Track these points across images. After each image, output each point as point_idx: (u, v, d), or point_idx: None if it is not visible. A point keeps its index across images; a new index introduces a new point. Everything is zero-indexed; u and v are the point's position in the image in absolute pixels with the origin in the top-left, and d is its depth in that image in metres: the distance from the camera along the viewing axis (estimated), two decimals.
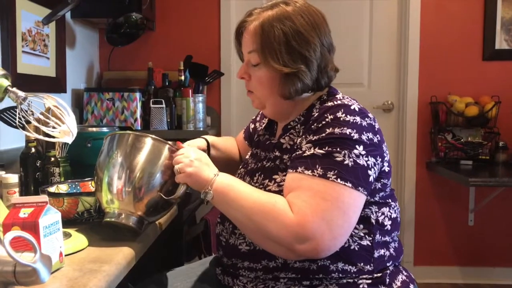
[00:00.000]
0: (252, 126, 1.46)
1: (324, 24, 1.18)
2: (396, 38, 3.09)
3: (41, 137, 1.08)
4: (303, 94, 1.17)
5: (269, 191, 1.12)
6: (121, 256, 1.00)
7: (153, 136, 1.14)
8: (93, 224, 1.21)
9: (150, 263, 1.38)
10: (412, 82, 3.02)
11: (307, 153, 1.07)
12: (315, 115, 1.12)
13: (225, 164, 1.17)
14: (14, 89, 1.02)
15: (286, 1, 1.18)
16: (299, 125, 1.18)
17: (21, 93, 1.02)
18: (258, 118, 1.45)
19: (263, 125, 1.35)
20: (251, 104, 1.26)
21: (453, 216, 3.09)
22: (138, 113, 2.64)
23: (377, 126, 1.12)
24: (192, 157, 1.11)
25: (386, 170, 1.14)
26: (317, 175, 1.03)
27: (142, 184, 1.08)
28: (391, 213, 1.16)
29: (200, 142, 1.38)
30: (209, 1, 3.03)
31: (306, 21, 1.15)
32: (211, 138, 1.43)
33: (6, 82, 1.01)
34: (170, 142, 1.16)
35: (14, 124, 1.55)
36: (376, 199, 1.13)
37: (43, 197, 0.89)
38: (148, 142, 1.12)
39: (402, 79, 3.08)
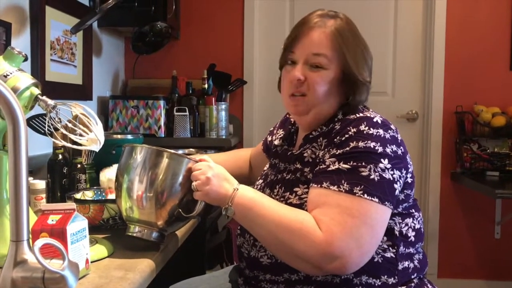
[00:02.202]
0: (269, 138, 1.45)
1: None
2: (421, 46, 3.06)
3: (69, 144, 1.09)
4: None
5: (290, 204, 1.11)
6: (145, 264, 1.01)
7: (172, 151, 1.11)
8: (117, 231, 1.22)
9: (172, 271, 1.39)
10: (437, 91, 2.98)
11: (332, 167, 1.06)
12: (337, 128, 1.12)
13: None
14: (44, 97, 1.04)
15: (342, 14, 1.21)
16: (321, 138, 1.16)
17: (51, 102, 1.04)
18: (275, 131, 1.43)
19: (279, 136, 1.34)
20: (277, 112, 1.25)
21: (478, 228, 3.02)
22: (162, 121, 2.66)
23: (399, 138, 1.11)
24: (209, 174, 1.06)
25: (410, 181, 1.13)
26: (343, 190, 1.02)
27: (164, 188, 1.07)
28: (414, 224, 1.15)
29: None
30: (233, 11, 3.05)
31: (361, 35, 1.20)
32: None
33: (36, 91, 1.03)
34: (188, 157, 1.13)
35: (42, 131, 1.58)
36: (400, 210, 1.12)
37: (71, 205, 0.91)
38: (166, 156, 1.09)
39: (426, 88, 3.04)
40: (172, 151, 1.11)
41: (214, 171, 1.08)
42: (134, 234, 1.09)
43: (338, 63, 1.14)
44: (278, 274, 1.12)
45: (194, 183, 1.07)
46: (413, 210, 1.16)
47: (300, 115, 1.20)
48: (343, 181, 1.03)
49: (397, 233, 1.11)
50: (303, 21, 1.19)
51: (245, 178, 1.50)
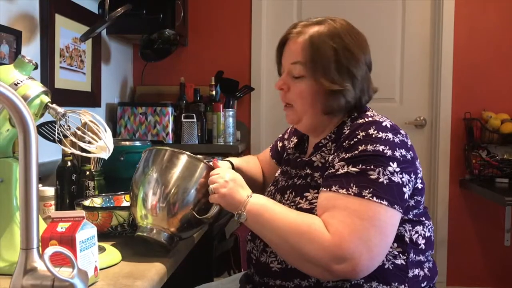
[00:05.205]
0: (280, 144, 1.45)
1: (367, 43, 1.20)
2: (429, 52, 3.05)
3: (78, 152, 1.10)
4: (344, 111, 1.18)
5: (301, 208, 1.11)
6: (153, 272, 1.01)
7: (189, 153, 1.15)
8: (126, 238, 1.22)
9: (180, 278, 1.39)
10: (446, 97, 2.97)
11: (341, 171, 1.06)
12: (346, 132, 1.12)
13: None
14: (54, 105, 1.04)
15: (332, 18, 1.19)
16: (330, 143, 1.17)
17: (60, 109, 1.04)
18: (286, 136, 1.44)
19: (292, 144, 1.35)
20: (285, 118, 1.25)
21: (488, 235, 3.00)
22: (170, 127, 2.67)
23: (409, 143, 1.11)
24: (227, 178, 1.10)
25: (420, 187, 1.12)
26: (352, 193, 1.02)
27: (176, 200, 1.09)
28: (425, 231, 1.14)
29: (225, 164, 1.34)
30: (240, 18, 3.07)
31: (353, 39, 1.16)
32: (236, 161, 1.40)
33: (46, 99, 1.04)
34: (206, 161, 1.17)
35: (52, 138, 1.59)
36: (410, 216, 1.11)
37: (80, 212, 0.91)
38: (183, 159, 1.13)
39: (435, 95, 3.03)
40: (189, 153, 1.15)
41: (232, 176, 1.12)
42: (145, 234, 1.10)
43: (314, 71, 1.15)
44: (288, 280, 1.12)
45: (211, 186, 1.10)
46: (424, 218, 1.15)
47: (294, 124, 1.24)
48: (351, 184, 1.03)
49: (407, 240, 1.10)
50: (285, 32, 1.22)
51: (262, 183, 1.49)
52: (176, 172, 1.11)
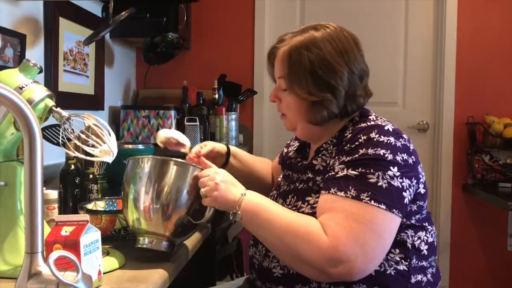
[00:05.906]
0: (285, 150, 1.46)
1: (355, 49, 1.17)
2: (431, 56, 3.05)
3: (82, 156, 1.10)
4: (331, 120, 1.17)
5: (302, 213, 1.11)
6: (157, 276, 1.01)
7: (177, 159, 1.13)
8: (129, 241, 1.22)
9: (183, 282, 1.39)
10: (448, 101, 2.97)
11: (340, 174, 1.06)
12: (348, 136, 1.12)
13: (245, 178, 1.17)
14: (58, 109, 1.05)
15: (317, 26, 1.19)
16: (331, 147, 1.17)
17: (65, 113, 1.05)
18: (291, 142, 1.45)
19: (294, 148, 1.35)
20: (283, 125, 1.27)
21: (491, 240, 2.99)
22: None
23: (412, 147, 1.11)
24: (218, 180, 1.09)
25: (422, 192, 1.12)
26: (350, 196, 1.02)
27: (169, 201, 1.08)
28: (427, 237, 1.14)
29: (220, 146, 1.38)
30: (243, 21, 3.07)
31: (334, 48, 1.14)
32: (235, 148, 1.42)
33: (51, 103, 1.04)
34: (194, 163, 1.16)
35: (55, 142, 1.59)
36: (412, 222, 1.11)
37: (84, 216, 0.91)
38: (172, 165, 1.11)
39: (437, 99, 3.03)
40: (177, 159, 1.13)
41: (222, 177, 1.10)
42: (144, 246, 1.10)
43: (291, 83, 1.16)
44: (290, 285, 1.12)
45: (202, 190, 1.09)
46: (426, 224, 1.15)
47: (292, 131, 1.26)
48: (350, 187, 1.03)
49: (409, 245, 1.10)
50: (272, 45, 1.24)
51: (269, 184, 1.50)
52: (166, 178, 1.10)
